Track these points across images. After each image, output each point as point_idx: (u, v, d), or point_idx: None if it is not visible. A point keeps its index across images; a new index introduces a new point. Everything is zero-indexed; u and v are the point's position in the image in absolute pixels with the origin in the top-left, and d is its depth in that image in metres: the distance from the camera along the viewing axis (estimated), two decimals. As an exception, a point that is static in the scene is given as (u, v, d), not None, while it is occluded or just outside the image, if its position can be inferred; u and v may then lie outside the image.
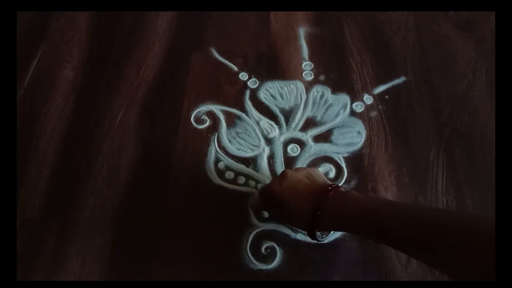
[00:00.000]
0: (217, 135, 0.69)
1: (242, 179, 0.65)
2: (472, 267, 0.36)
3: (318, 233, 0.50)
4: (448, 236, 0.37)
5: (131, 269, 0.58)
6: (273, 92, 0.74)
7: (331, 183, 0.51)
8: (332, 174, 0.65)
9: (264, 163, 0.66)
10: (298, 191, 0.50)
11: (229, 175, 0.65)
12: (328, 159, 0.67)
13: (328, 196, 0.48)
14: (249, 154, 0.67)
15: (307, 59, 0.79)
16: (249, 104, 0.73)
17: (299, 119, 0.71)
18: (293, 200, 0.50)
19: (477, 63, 0.77)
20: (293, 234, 0.60)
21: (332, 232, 0.58)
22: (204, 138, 0.69)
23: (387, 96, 0.74)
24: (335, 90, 0.74)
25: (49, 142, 0.69)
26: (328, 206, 0.47)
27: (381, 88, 0.75)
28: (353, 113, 0.72)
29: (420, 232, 0.40)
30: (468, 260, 0.36)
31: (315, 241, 0.54)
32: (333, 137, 0.69)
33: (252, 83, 0.75)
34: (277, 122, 0.71)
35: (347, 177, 0.65)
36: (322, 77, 0.76)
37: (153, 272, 0.57)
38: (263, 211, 0.61)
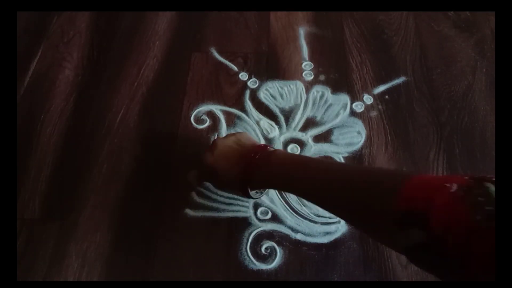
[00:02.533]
0: (217, 135, 0.69)
1: (242, 179, 0.65)
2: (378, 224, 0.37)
3: (252, 192, 0.53)
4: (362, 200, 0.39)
5: (131, 269, 0.58)
6: (273, 92, 0.74)
7: (259, 144, 0.54)
8: (332, 174, 0.65)
9: (264, 163, 0.66)
10: (229, 157, 0.52)
11: (229, 175, 0.65)
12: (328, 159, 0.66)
13: (256, 156, 0.50)
14: (249, 154, 0.67)
15: (307, 59, 0.79)
16: (249, 104, 0.73)
17: (299, 119, 0.71)
18: (226, 166, 0.52)
19: (477, 63, 0.77)
20: (293, 234, 0.60)
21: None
22: (204, 138, 0.69)
23: (387, 96, 0.74)
24: (335, 90, 0.74)
25: (49, 142, 0.69)
26: (256, 166, 0.50)
27: (381, 88, 0.74)
28: (353, 113, 0.72)
29: (337, 197, 0.42)
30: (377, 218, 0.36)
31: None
32: (333, 137, 0.69)
33: (252, 83, 0.75)
34: (277, 122, 0.71)
35: (347, 177, 0.65)
36: (322, 77, 0.76)
37: (153, 272, 0.58)
38: (205, 182, 0.64)
